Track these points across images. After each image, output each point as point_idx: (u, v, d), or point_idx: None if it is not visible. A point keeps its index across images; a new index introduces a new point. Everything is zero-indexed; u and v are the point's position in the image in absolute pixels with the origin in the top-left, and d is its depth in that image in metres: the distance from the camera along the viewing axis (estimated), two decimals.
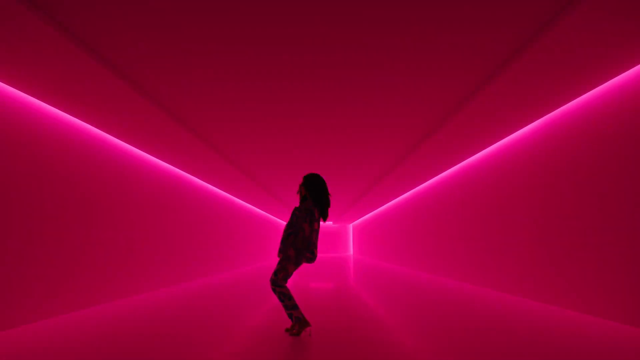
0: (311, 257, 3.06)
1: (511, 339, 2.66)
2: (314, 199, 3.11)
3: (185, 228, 7.33)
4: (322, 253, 23.99)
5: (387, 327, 3.12)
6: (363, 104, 4.22)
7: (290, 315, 2.90)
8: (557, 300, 3.99)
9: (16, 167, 3.43)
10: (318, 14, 2.56)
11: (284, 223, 21.68)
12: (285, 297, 2.89)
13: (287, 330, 2.97)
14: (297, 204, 13.61)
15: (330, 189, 10.25)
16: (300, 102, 4.17)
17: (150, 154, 5.99)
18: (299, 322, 2.88)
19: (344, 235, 24.89)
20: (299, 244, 2.95)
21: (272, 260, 16.17)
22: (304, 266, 11.35)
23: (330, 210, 15.86)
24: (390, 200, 12.68)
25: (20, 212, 3.45)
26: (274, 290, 2.90)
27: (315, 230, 3.05)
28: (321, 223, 23.82)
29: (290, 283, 6.85)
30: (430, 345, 2.59)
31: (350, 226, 24.65)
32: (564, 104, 3.93)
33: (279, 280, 2.90)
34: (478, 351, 2.38)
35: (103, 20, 2.59)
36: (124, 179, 5.20)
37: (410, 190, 10.35)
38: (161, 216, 6.29)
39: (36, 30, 2.53)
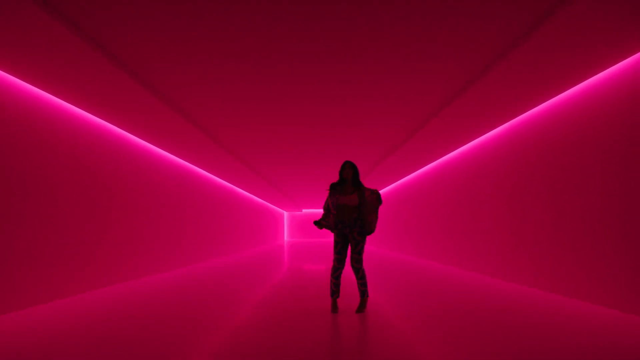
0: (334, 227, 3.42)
1: (471, 305, 3.32)
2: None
3: (195, 216, 7.89)
4: (316, 238, 24.73)
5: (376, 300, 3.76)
6: (355, 105, 4.75)
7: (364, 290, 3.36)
8: (524, 279, 4.68)
9: (51, 162, 3.95)
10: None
11: (282, 211, 22.26)
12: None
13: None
14: (295, 195, 14.09)
15: (324, 180, 10.81)
16: (298, 101, 4.62)
17: (164, 150, 6.48)
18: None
19: None
20: (331, 223, 3.46)
21: (270, 244, 16.81)
22: (299, 250, 12.01)
23: (322, 196, 16.38)
24: (379, 190, 13.36)
25: (53, 200, 3.97)
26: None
27: (340, 207, 3.38)
28: (315, 212, 24.45)
29: (287, 266, 7.46)
30: (410, 311, 3.23)
31: None
32: (532, 108, 4.54)
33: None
34: (444, 309, 3.03)
35: (117, 21, 2.88)
36: (142, 171, 5.76)
37: (395, 181, 11.03)
38: (174, 205, 6.83)
39: (57, 34, 2.81)
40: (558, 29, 2.83)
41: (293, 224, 25.46)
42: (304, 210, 25.01)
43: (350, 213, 3.33)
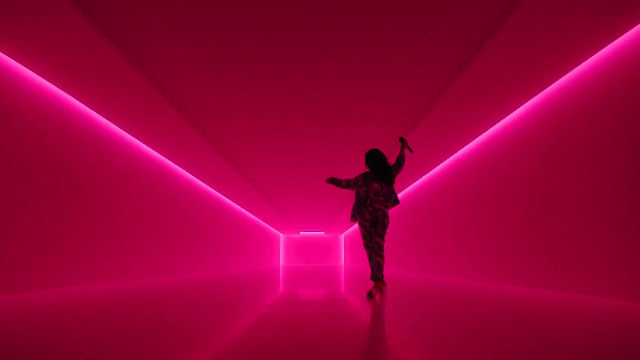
0: (369, 217, 3.67)
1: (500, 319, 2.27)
2: (369, 167, 3.75)
3: (175, 222, 6.98)
4: (314, 263, 23.42)
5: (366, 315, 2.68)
6: (351, 109, 4.30)
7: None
8: (546, 284, 4.20)
9: (8, 142, 3.38)
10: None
11: (278, 233, 21.08)
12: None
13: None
14: (292, 213, 13.12)
15: (319, 196, 10.01)
16: (294, 114, 4.61)
17: (145, 144, 5.63)
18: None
19: (336, 245, 24.48)
20: (355, 206, 3.74)
21: (263, 265, 15.54)
22: (298, 273, 10.85)
23: (320, 219, 15.44)
24: None
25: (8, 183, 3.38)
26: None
27: (370, 193, 3.64)
28: (313, 235, 23.39)
29: (283, 290, 6.43)
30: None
31: (342, 236, 24.24)
32: (553, 82, 3.96)
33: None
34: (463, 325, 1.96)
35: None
36: (115, 163, 5.26)
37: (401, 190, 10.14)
38: (152, 206, 6.00)
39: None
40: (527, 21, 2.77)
41: (290, 248, 24.20)
42: (302, 233, 23.83)
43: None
